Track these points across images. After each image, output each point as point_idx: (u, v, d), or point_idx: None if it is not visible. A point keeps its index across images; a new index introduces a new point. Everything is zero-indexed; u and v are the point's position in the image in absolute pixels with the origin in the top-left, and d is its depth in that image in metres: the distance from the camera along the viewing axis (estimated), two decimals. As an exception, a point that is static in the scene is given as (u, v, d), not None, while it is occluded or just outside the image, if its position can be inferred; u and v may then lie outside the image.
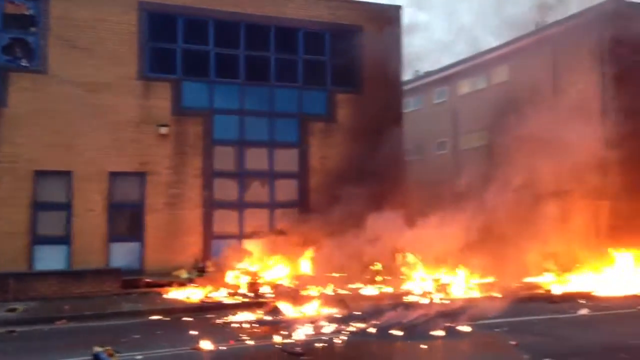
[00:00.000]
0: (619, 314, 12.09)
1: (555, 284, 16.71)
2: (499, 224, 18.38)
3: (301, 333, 10.06)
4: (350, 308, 12.49)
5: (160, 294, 15.35)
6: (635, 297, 14.85)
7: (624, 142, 19.39)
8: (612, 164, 20.30)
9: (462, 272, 16.99)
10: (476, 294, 15.26)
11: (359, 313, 11.75)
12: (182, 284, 16.13)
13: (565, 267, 18.73)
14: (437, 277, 16.84)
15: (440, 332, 10.03)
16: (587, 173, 20.94)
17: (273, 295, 14.60)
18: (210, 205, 18.56)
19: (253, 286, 15.67)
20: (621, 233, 20.39)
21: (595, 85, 21.08)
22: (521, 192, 20.06)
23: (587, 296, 14.72)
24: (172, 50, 18.76)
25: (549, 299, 14.32)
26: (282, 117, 19.67)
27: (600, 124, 20.63)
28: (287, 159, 19.55)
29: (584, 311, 12.17)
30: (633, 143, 19.42)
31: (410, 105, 29.97)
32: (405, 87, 25.92)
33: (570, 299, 14.17)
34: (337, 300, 13.58)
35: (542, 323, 11.11)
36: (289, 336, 9.85)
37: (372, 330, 10.39)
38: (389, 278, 16.70)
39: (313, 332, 10.19)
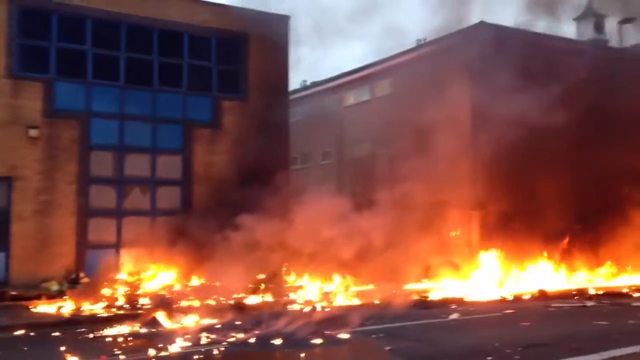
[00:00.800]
0: (486, 317, 12.84)
1: (432, 290, 17.49)
2: (381, 233, 19.02)
3: (177, 345, 9.74)
4: (244, 315, 12.36)
5: (27, 308, 14.29)
6: (501, 301, 15.91)
7: (491, 154, 20.68)
8: (481, 175, 21.62)
9: (345, 281, 17.36)
10: (358, 301, 15.61)
11: (240, 323, 11.61)
12: (52, 296, 15.16)
13: (443, 274, 19.71)
14: (321, 285, 17.08)
15: (319, 340, 10.08)
16: (460, 184, 22.24)
17: (151, 307, 14.07)
18: (86, 213, 17.62)
19: (131, 298, 15.03)
20: (490, 240, 21.81)
21: (468, 101, 22.42)
22: (402, 202, 20.95)
23: (459, 301, 15.52)
24: (46, 48, 17.68)
25: (424, 305, 14.94)
26: (165, 123, 19.12)
27: (471, 138, 21.96)
28: (170, 165, 19.02)
29: (454, 316, 12.81)
30: (499, 155, 20.77)
31: (297, 115, 30.28)
32: (293, 97, 26.18)
33: (443, 305, 14.87)
34: (225, 309, 13.37)
35: (416, 328, 11.55)
36: (165, 349, 9.51)
37: (252, 340, 10.26)
38: (274, 287, 16.68)
39: (190, 344, 9.91)
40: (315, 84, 32.98)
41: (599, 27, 29.82)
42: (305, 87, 33.35)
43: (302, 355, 9.24)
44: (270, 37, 20.45)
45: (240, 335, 10.50)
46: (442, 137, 22.88)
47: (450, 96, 22.78)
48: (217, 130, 19.75)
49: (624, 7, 24.68)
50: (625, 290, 17.32)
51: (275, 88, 20.58)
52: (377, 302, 15.09)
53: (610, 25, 29.27)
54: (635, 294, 16.61)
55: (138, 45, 18.82)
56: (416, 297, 16.22)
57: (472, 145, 22.24)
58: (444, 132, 22.89)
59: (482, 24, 22.19)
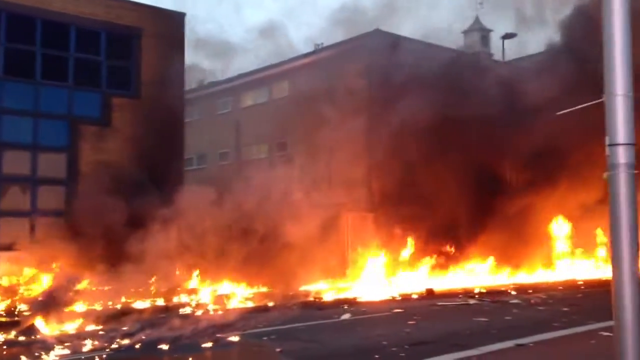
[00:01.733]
0: (376, 317, 13.16)
1: (327, 291, 17.71)
2: (277, 235, 19.03)
3: (55, 354, 9.19)
4: (132, 320, 11.85)
5: None
6: (391, 300, 16.39)
7: (385, 159, 21.29)
8: (375, 178, 22.20)
9: (238, 283, 17.18)
10: (251, 304, 15.50)
11: (127, 328, 11.16)
12: None
13: (337, 274, 20.02)
14: (214, 288, 16.79)
15: (209, 344, 9.91)
16: (355, 186, 22.71)
17: (30, 313, 13.18)
18: (-44, 213, 16.24)
19: (8, 304, 14.04)
20: (384, 241, 22.44)
21: (363, 107, 22.96)
22: (299, 204, 21.08)
23: (352, 302, 15.83)
24: None
25: (317, 306, 15.08)
26: (48, 118, 18.00)
27: (366, 142, 22.51)
28: (53, 163, 17.92)
29: (346, 316, 13.02)
30: (392, 160, 21.42)
31: (194, 115, 29.65)
32: (189, 96, 25.60)
33: (336, 305, 15.09)
34: (112, 314, 12.78)
35: (308, 329, 11.61)
36: (40, 358, 8.94)
37: (138, 345, 9.90)
38: (165, 290, 16.19)
39: (70, 352, 9.38)
40: (212, 84, 32.47)
41: (484, 40, 31.66)
42: (203, 87, 32.73)
43: (191, 359, 9.05)
44: (166, 34, 19.88)
45: (126, 341, 10.11)
46: (338, 141, 23.33)
47: (346, 100, 23.27)
48: (106, 127, 18.85)
49: (508, 23, 26.31)
50: (504, 289, 18.37)
51: (170, 86, 19.97)
52: (270, 304, 15.08)
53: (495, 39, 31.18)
54: (514, 292, 17.66)
55: (19, 36, 17.61)
56: (311, 299, 16.35)
57: (367, 148, 22.78)
58: (340, 136, 23.34)
59: (377, 31, 22.82)
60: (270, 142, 27.44)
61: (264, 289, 18.13)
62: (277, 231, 16.83)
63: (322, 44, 26.27)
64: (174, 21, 20.50)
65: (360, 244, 23.01)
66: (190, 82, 24.74)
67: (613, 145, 4.92)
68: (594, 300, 15.30)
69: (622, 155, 4.89)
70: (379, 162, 22.15)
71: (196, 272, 16.92)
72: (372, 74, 22.55)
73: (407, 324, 11.90)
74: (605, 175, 4.97)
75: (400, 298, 16.74)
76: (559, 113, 5.63)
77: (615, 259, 4.94)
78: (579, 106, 5.27)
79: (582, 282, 20.31)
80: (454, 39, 29.24)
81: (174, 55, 19.99)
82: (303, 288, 18.75)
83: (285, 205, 17.54)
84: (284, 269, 18.86)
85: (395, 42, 22.47)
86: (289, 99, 26.20)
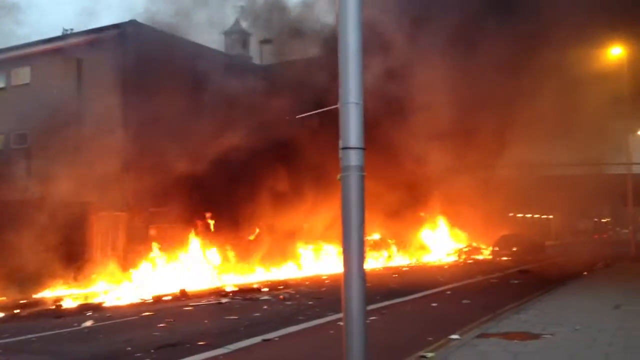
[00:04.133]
0: (123, 322, 12.48)
1: (68, 297, 16.33)
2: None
3: None
4: None
5: None
6: (141, 304, 15.70)
7: (141, 156, 20.44)
8: (130, 177, 21.20)
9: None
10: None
11: None
12: None
13: (82, 278, 18.63)
14: None
15: None
16: (108, 185, 21.40)
17: None
18: None
19: None
20: (137, 242, 21.55)
21: (119, 100, 21.74)
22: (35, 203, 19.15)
23: (97, 307, 14.80)
24: None
25: (56, 314, 13.78)
26: None
27: (122, 138, 21.37)
28: None
29: (88, 323, 12.11)
30: (149, 157, 20.65)
31: None
32: None
33: (79, 312, 13.97)
34: None
35: (42, 340, 10.52)
36: None
37: None
38: None
39: None
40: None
41: (244, 44, 32.37)
42: None
43: None
44: None
45: None
46: (89, 136, 21.76)
47: (98, 92, 21.82)
48: None
49: (265, 29, 27.23)
50: (257, 286, 18.90)
51: None
52: (2, 315, 13.44)
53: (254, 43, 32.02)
54: (265, 289, 18.26)
55: None
56: (48, 307, 14.90)
57: (122, 145, 21.63)
58: (91, 130, 21.81)
59: (133, 22, 21.80)
60: (8, 132, 24.47)
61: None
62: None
63: (71, 29, 24.23)
64: None
65: (111, 245, 21.79)
66: None
67: (345, 149, 5.30)
68: (335, 293, 16.53)
69: (353, 159, 5.30)
70: (134, 160, 21.19)
71: None
72: (126, 65, 21.48)
73: (157, 327, 11.52)
74: (339, 176, 5.33)
75: (151, 301, 16.14)
76: (298, 117, 5.90)
77: (346, 255, 5.32)
78: (316, 111, 5.57)
79: (326, 277, 21.88)
80: (215, 39, 29.22)
81: None
82: (40, 295, 17.09)
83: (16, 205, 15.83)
84: (18, 274, 17.02)
85: (151, 34, 21.69)
86: (32, 86, 23.68)
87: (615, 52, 25.63)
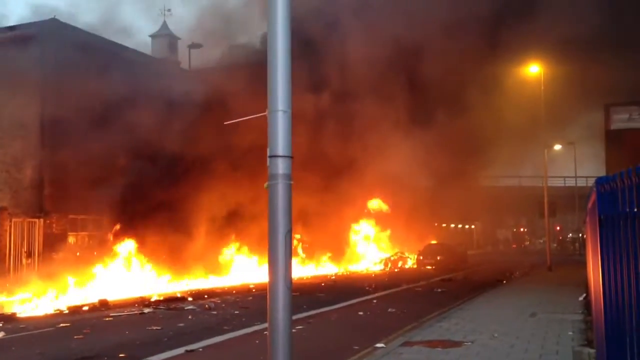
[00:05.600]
0: (36, 334, 11.86)
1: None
2: None
3: None
4: None
5: None
6: (57, 314, 15.00)
7: (59, 159, 19.66)
8: (47, 181, 20.34)
9: None
10: None
11: None
12: None
13: None
14: None
15: None
16: (22, 189, 20.42)
17: None
18: None
19: None
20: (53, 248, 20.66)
21: (36, 101, 20.83)
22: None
23: (9, 318, 14.01)
24: None
25: (-36, 326, 12.93)
26: None
27: (38, 139, 20.50)
28: None
29: (0, 334, 11.44)
30: (67, 159, 19.86)
31: None
32: None
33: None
34: None
35: (-53, 354, 9.84)
36: None
37: None
38: None
39: None
40: None
41: (172, 47, 31.73)
42: None
43: None
44: None
45: None
46: (6, 138, 20.80)
47: (15, 92, 20.83)
48: None
49: (192, 33, 26.92)
50: (182, 295, 18.45)
51: None
52: None
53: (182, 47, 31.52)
54: (190, 298, 17.87)
55: None
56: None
57: (40, 146, 20.74)
58: (9, 132, 20.85)
59: (54, 20, 20.98)
60: None
61: None
62: None
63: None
64: None
65: (26, 253, 20.77)
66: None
67: (273, 157, 5.25)
68: (262, 302, 16.36)
69: (280, 167, 5.25)
70: (53, 162, 20.33)
71: None
72: (45, 64, 20.63)
73: (74, 338, 11.01)
74: (266, 185, 5.27)
75: (68, 311, 15.42)
76: (226, 123, 5.82)
77: (272, 263, 5.26)
78: (244, 118, 5.51)
79: (253, 286, 21.67)
80: (140, 41, 28.59)
81: None
82: None
83: None
84: None
85: (74, 34, 20.97)
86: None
87: (534, 70, 26.86)
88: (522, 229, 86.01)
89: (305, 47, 21.11)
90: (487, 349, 8.84)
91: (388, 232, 36.09)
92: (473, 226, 69.16)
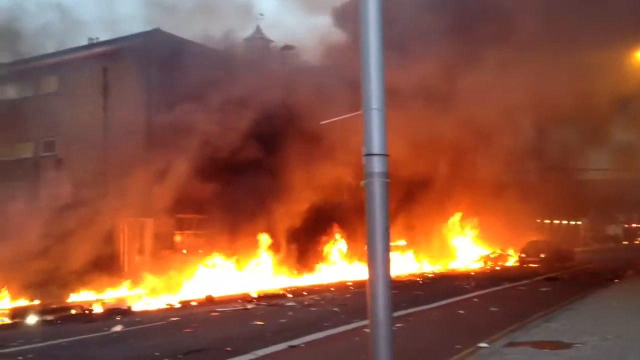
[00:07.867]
0: (151, 327, 12.58)
1: (97, 302, 16.55)
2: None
3: None
4: None
5: None
6: (168, 309, 15.84)
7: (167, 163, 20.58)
8: (156, 183, 21.36)
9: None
10: (7, 320, 13.89)
11: None
12: None
13: (111, 283, 18.86)
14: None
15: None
16: (134, 191, 21.62)
17: None
18: None
19: None
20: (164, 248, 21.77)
21: (144, 107, 22.02)
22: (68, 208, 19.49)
23: (126, 312, 14.95)
24: None
25: (86, 319, 13.97)
26: None
27: (147, 144, 21.64)
28: None
29: (118, 328, 12.24)
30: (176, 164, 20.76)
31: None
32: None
33: (108, 317, 14.14)
34: None
35: (72, 345, 10.66)
36: None
37: None
38: None
39: None
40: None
41: (265, 50, 32.38)
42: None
43: None
44: None
45: None
46: (117, 143, 22.07)
47: (124, 101, 22.14)
48: None
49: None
50: (282, 292, 18.90)
51: None
52: (33, 319, 13.66)
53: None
54: (290, 295, 18.26)
55: None
56: (77, 311, 15.08)
57: (149, 152, 21.88)
58: (120, 138, 22.11)
59: (157, 31, 22.05)
60: (37, 140, 24.88)
61: (24, 302, 16.43)
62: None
63: (97, 38, 24.60)
64: None
65: (137, 251, 22.04)
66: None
67: (369, 155, 5.27)
68: (360, 300, 16.43)
69: (376, 165, 5.26)
70: (162, 167, 21.41)
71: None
72: (151, 74, 21.76)
73: (184, 332, 11.59)
74: (362, 183, 5.30)
75: (179, 306, 16.26)
76: (322, 122, 5.90)
77: (370, 261, 5.28)
78: (339, 118, 5.56)
79: (351, 283, 21.79)
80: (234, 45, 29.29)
81: None
82: (71, 299, 17.37)
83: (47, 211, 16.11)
84: (47, 279, 17.34)
85: (177, 43, 21.93)
86: (60, 94, 24.10)
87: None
88: (633, 225, 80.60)
89: None
90: (600, 351, 8.39)
91: (486, 228, 34.97)
92: (579, 222, 65.61)
